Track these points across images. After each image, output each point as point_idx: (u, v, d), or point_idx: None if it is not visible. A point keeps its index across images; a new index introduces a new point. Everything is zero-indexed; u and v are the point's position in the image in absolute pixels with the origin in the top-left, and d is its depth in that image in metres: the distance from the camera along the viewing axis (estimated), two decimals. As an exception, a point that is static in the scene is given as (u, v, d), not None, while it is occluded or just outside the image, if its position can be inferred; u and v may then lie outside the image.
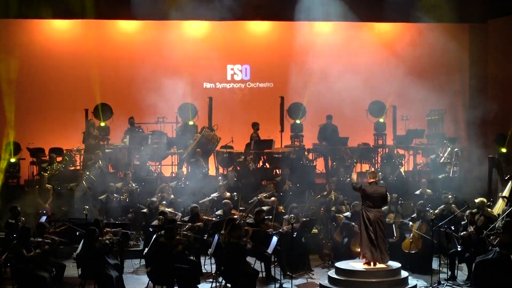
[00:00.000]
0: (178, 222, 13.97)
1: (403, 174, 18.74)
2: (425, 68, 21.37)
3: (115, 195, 16.75)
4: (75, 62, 20.33)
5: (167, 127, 20.26)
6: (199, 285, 13.15)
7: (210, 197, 16.66)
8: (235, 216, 14.64)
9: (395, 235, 15.04)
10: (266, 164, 19.35)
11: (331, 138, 19.69)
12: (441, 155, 19.32)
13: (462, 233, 13.87)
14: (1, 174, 18.46)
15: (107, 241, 12.83)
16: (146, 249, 13.35)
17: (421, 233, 14.60)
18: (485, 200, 14.64)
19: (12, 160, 18.88)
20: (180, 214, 15.45)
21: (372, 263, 13.25)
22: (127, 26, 21.08)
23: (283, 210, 15.77)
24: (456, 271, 14.09)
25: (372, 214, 13.27)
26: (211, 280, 13.53)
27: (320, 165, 20.03)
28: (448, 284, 13.53)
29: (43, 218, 14.59)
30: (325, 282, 13.39)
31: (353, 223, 14.82)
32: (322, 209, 16.18)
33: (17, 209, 14.81)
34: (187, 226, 14.17)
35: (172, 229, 12.77)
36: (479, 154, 19.22)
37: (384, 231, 13.48)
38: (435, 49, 21.48)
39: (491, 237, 13.04)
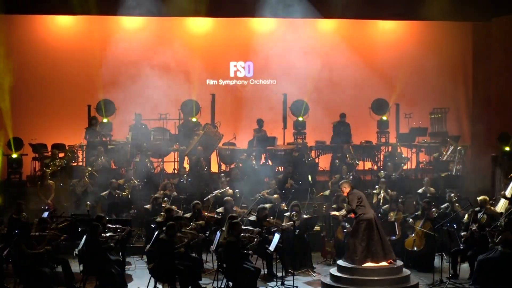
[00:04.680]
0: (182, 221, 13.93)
1: (403, 172, 18.67)
2: (429, 66, 21.32)
3: (117, 191, 16.76)
4: (78, 58, 20.31)
5: (170, 123, 20.26)
6: (200, 282, 13.16)
7: (213, 194, 16.66)
8: (236, 214, 14.59)
9: (397, 233, 15.02)
10: (269, 161, 19.37)
11: (343, 136, 19.73)
12: (444, 153, 19.29)
13: (463, 233, 13.85)
14: None
15: (111, 242, 12.84)
16: (148, 246, 13.34)
17: (425, 231, 14.58)
18: (487, 197, 14.62)
19: (14, 156, 18.87)
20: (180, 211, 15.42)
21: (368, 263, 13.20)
22: (130, 22, 21.02)
23: (285, 208, 15.75)
24: (458, 269, 14.05)
25: (371, 213, 13.20)
26: (212, 277, 13.53)
27: (322, 163, 20.00)
28: (450, 282, 13.50)
29: (45, 214, 14.59)
30: (327, 279, 13.37)
31: (347, 224, 14.69)
32: (324, 206, 16.17)
33: (21, 206, 14.83)
34: (191, 226, 14.11)
35: (174, 226, 12.75)
36: (482, 153, 19.19)
37: (383, 228, 13.41)
38: (438, 47, 21.44)
39: (494, 235, 13.02)
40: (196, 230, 14.02)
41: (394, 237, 14.90)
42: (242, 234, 12.88)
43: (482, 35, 21.91)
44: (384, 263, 13.10)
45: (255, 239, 13.03)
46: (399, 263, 13.41)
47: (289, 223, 14.40)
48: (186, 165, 19.04)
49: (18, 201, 15.10)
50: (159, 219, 14.49)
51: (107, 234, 13.07)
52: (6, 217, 15.18)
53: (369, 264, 13.08)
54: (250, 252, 12.82)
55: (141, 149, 18.78)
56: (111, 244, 12.83)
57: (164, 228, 12.93)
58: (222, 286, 13.05)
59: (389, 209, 15.60)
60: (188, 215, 14.97)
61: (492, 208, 14.60)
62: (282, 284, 13.43)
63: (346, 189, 13.43)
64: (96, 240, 12.59)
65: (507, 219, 13.24)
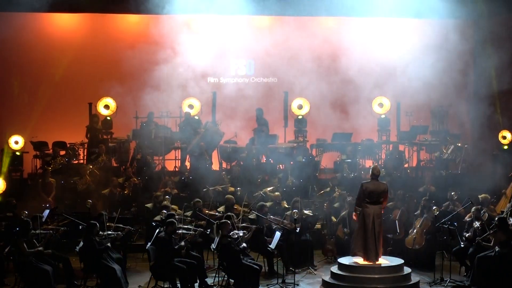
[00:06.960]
0: (177, 217, 13.89)
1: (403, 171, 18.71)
2: (429, 64, 21.28)
3: (118, 189, 16.75)
4: (79, 55, 20.31)
5: (171, 121, 20.25)
6: (207, 279, 13.19)
7: (213, 188, 16.67)
8: (231, 214, 14.52)
9: (398, 231, 14.99)
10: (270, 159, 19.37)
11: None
12: (444, 151, 19.29)
13: (467, 234, 13.79)
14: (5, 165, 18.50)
15: (108, 242, 12.83)
16: (149, 244, 13.34)
17: (425, 229, 14.57)
18: (488, 196, 14.60)
19: (16, 153, 18.88)
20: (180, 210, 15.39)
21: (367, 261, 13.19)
22: (131, 20, 21.03)
23: (286, 206, 15.75)
24: (460, 267, 14.07)
25: (372, 210, 13.13)
26: (213, 274, 13.54)
27: (323, 161, 20.00)
28: (450, 280, 13.48)
29: (46, 212, 14.58)
30: (328, 277, 13.37)
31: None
32: (325, 204, 16.17)
33: (12, 202, 14.86)
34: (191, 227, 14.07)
35: (173, 224, 12.74)
36: (483, 151, 19.17)
37: (382, 227, 13.37)
38: (439, 45, 21.39)
39: (484, 243, 13.04)
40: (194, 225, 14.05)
41: (394, 235, 14.87)
42: (231, 233, 12.87)
43: (484, 32, 21.88)
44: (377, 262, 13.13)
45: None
46: (400, 261, 13.38)
47: (290, 221, 14.41)
48: (187, 163, 19.03)
49: (7, 199, 15.13)
50: (159, 217, 14.46)
51: (105, 233, 13.06)
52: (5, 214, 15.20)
53: (360, 260, 13.12)
54: (244, 245, 12.83)
55: (142, 146, 18.78)
56: (108, 244, 12.80)
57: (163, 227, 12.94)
58: (224, 284, 13.07)
59: (393, 207, 15.58)
60: (188, 213, 14.98)
61: (491, 206, 14.61)
62: (283, 282, 13.44)
63: (369, 175, 13.40)
64: (93, 239, 12.58)
65: (498, 218, 13.26)
